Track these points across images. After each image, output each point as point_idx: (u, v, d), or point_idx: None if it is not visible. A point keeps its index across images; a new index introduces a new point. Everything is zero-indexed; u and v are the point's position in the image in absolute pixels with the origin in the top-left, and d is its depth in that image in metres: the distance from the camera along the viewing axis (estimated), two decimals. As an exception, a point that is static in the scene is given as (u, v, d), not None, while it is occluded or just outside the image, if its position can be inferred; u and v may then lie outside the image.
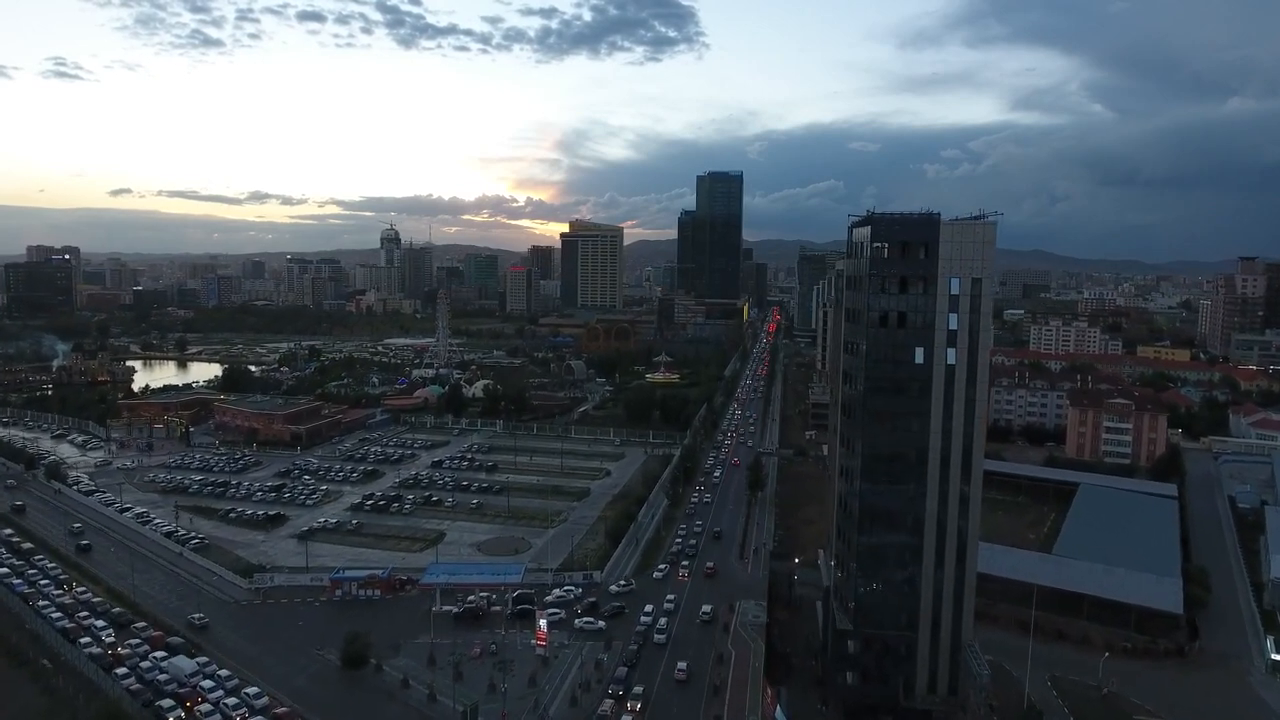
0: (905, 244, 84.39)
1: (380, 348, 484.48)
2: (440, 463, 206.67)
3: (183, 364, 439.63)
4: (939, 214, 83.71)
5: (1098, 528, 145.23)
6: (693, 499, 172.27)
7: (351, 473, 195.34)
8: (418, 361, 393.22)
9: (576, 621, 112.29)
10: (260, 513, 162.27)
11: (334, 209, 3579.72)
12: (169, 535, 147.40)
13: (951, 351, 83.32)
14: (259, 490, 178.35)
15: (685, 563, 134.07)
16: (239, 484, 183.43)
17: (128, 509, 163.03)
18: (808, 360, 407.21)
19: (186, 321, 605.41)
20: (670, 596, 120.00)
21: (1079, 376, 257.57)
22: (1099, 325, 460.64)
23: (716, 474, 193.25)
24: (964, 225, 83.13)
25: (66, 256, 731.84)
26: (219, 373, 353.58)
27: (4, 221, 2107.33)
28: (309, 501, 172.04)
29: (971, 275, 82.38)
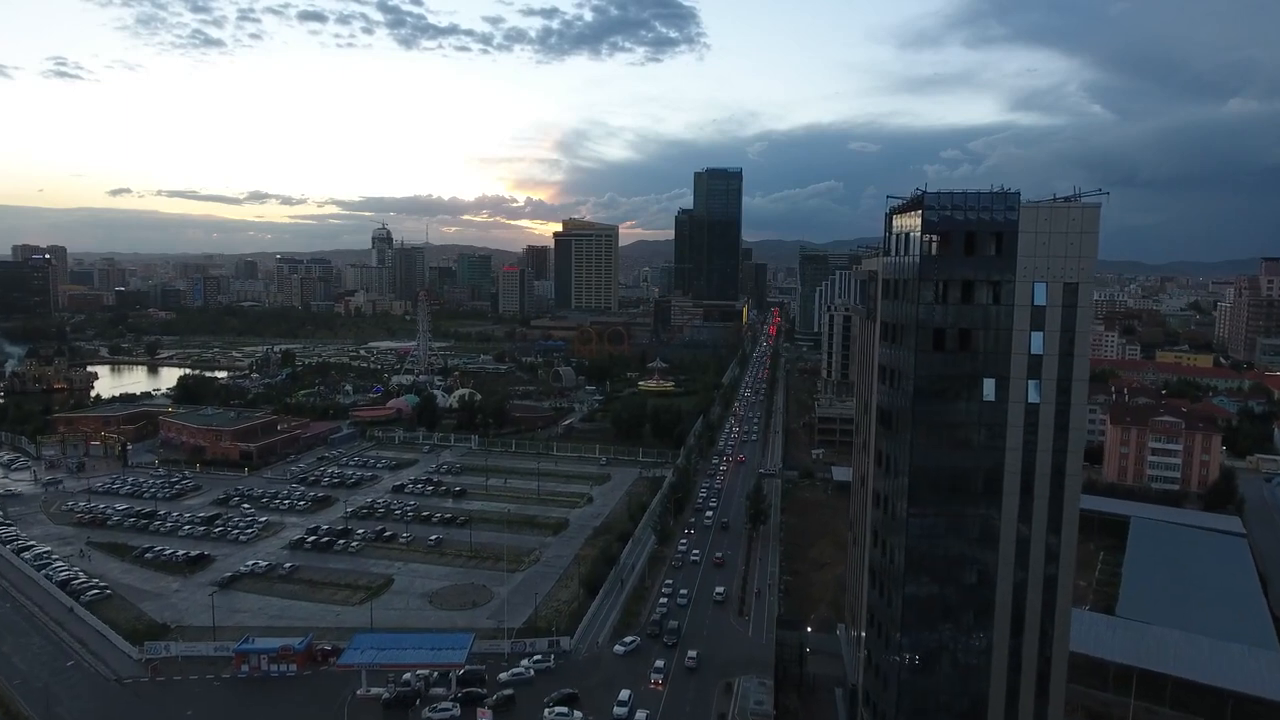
0: (970, 235, 60.77)
1: (363, 351, 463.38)
2: (402, 486, 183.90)
3: (153, 369, 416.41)
4: (1018, 192, 59.88)
5: (1163, 578, 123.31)
6: (681, 544, 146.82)
7: (300, 499, 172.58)
8: (398, 367, 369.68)
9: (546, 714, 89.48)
10: (182, 552, 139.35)
11: (333, 209, 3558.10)
12: (65, 584, 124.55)
13: (1034, 385, 60.32)
14: (189, 523, 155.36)
15: (659, 663, 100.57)
16: (168, 514, 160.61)
17: (28, 547, 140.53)
18: (811, 367, 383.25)
19: (165, 323, 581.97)
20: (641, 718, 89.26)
21: (1111, 388, 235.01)
22: (1115, 329, 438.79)
23: (709, 513, 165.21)
24: (1053, 210, 59.24)
25: (47, 256, 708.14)
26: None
27: (2, 222, 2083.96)
28: (243, 537, 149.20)
29: (1064, 279, 59.14)
